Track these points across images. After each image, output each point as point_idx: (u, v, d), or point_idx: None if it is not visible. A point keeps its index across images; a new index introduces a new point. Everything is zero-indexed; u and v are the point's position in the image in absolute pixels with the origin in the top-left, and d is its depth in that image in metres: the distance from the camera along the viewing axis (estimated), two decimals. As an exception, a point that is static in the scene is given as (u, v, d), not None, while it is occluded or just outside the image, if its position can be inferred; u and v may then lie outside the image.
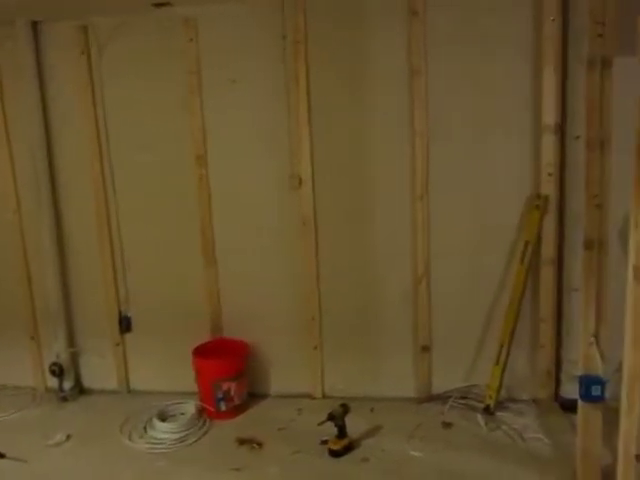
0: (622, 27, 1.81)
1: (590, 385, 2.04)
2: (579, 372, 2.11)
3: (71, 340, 3.18)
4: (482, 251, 2.78)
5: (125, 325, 3.15)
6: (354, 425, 2.59)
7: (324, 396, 3.02)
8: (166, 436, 2.67)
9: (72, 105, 2.99)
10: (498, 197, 2.74)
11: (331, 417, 2.49)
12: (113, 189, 3.04)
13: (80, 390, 3.23)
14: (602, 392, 2.04)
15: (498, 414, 2.73)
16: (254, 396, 3.04)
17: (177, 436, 2.66)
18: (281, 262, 2.96)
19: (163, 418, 2.81)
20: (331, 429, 2.51)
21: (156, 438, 2.68)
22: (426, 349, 2.89)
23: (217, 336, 3.07)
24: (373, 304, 2.92)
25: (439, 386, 2.92)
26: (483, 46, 2.63)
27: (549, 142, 2.61)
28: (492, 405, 2.72)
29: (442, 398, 2.90)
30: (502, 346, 2.72)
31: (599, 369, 2.04)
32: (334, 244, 2.89)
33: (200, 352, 2.93)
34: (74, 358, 3.19)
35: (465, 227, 2.78)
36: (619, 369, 1.74)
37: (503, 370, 2.72)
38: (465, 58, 2.65)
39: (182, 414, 2.85)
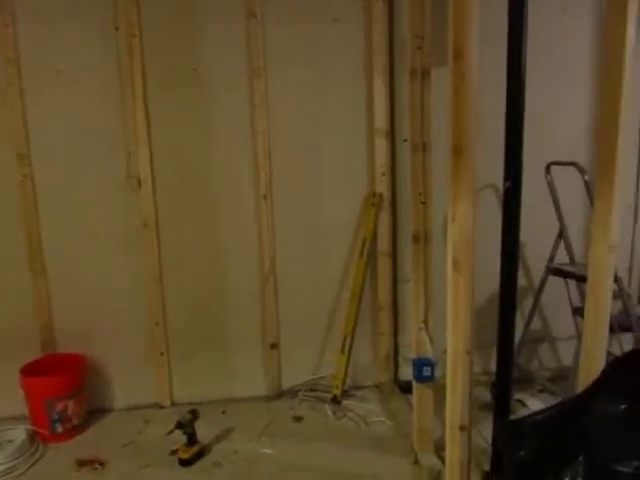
0: (437, 40, 1.99)
1: (421, 367, 2.23)
2: (412, 355, 2.31)
3: None
4: (325, 247, 2.90)
5: None
6: (205, 430, 2.55)
7: (173, 404, 2.92)
8: (-11, 469, 2.37)
9: None
10: (338, 195, 2.87)
11: (179, 425, 2.41)
12: None
13: None
14: (432, 372, 2.25)
15: (345, 402, 2.87)
16: (97, 412, 2.84)
17: (3, 467, 2.37)
18: (121, 267, 2.79)
19: (-15, 449, 2.49)
20: (181, 437, 2.43)
21: (-23, 473, 2.37)
22: (275, 346, 2.94)
23: (50, 352, 2.80)
24: (220, 305, 2.89)
25: (289, 381, 2.99)
26: (322, 52, 2.74)
27: (381, 145, 2.81)
28: (339, 394, 2.85)
29: (292, 393, 2.97)
30: (346, 336, 2.87)
31: (429, 352, 2.25)
32: (178, 245, 2.80)
33: (29, 370, 2.64)
34: None
35: (308, 225, 2.87)
36: (446, 351, 1.92)
37: (348, 359, 2.87)
38: (305, 62, 2.74)
39: (10, 441, 2.55)
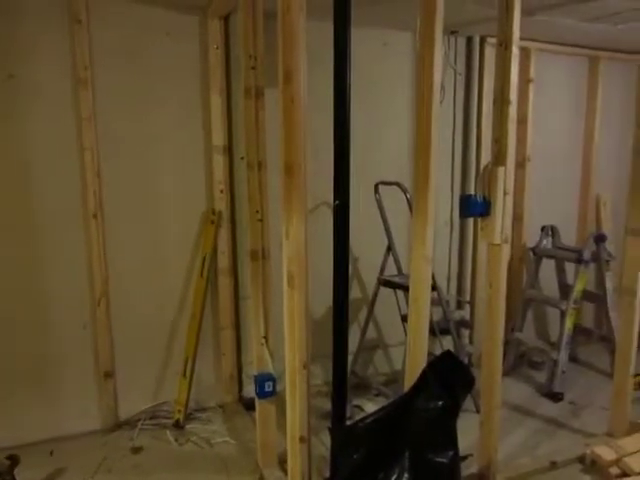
0: (270, 61, 2.05)
1: (263, 382, 2.25)
2: (255, 372, 2.31)
3: None
4: (163, 267, 2.80)
5: None
6: (29, 476, 2.30)
7: (-11, 450, 2.58)
8: None
9: None
10: (176, 213, 2.79)
11: (-5, 473, 2.14)
12: None
13: None
14: (274, 387, 2.27)
15: (188, 426, 2.78)
16: None
17: None
18: None
19: None
20: (-2, 487, 2.16)
21: None
22: (109, 375, 2.74)
23: None
24: (45, 334, 2.61)
25: (127, 411, 2.81)
26: (156, 65, 2.66)
27: (219, 162, 2.80)
28: (181, 419, 2.76)
29: (131, 423, 2.80)
30: (187, 358, 2.79)
31: (270, 367, 2.27)
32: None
33: None
34: None
35: (145, 244, 2.75)
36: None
37: (190, 382, 2.79)
38: (138, 75, 2.64)
39: None
